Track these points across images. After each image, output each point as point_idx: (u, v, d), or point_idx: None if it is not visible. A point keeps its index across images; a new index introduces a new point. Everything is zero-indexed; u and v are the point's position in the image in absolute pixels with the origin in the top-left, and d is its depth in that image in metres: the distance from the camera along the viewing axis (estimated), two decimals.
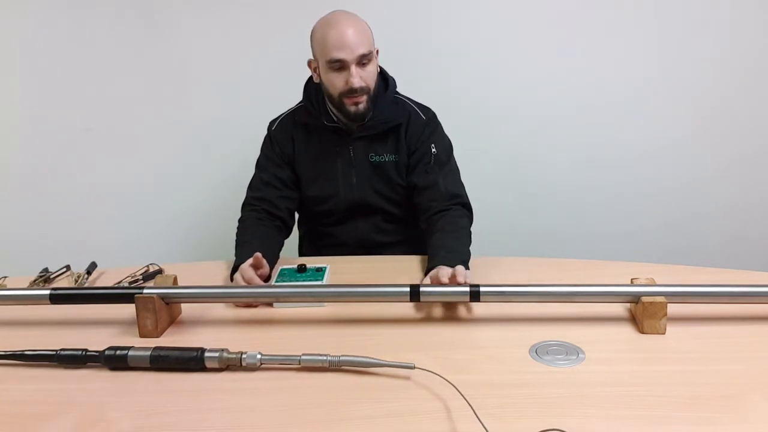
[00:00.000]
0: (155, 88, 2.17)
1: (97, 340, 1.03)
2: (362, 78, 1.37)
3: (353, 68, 1.35)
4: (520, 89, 2.17)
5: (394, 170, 1.50)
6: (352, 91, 1.37)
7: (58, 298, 1.11)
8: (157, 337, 1.08)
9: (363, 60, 1.36)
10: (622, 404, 0.84)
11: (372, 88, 1.41)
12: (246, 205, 1.49)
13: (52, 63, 2.14)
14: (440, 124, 1.54)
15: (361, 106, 1.40)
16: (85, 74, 2.15)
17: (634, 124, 2.20)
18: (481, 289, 1.08)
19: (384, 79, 1.51)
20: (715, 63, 2.13)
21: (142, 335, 1.08)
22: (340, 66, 1.35)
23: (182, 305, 1.18)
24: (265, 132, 1.56)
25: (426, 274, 1.24)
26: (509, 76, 2.16)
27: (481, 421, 0.79)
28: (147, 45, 2.13)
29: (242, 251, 1.31)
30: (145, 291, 1.08)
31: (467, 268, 1.23)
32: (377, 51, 1.44)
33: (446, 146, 1.52)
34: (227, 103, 2.17)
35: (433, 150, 1.47)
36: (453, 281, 1.13)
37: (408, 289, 1.08)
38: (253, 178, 1.53)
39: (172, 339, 1.08)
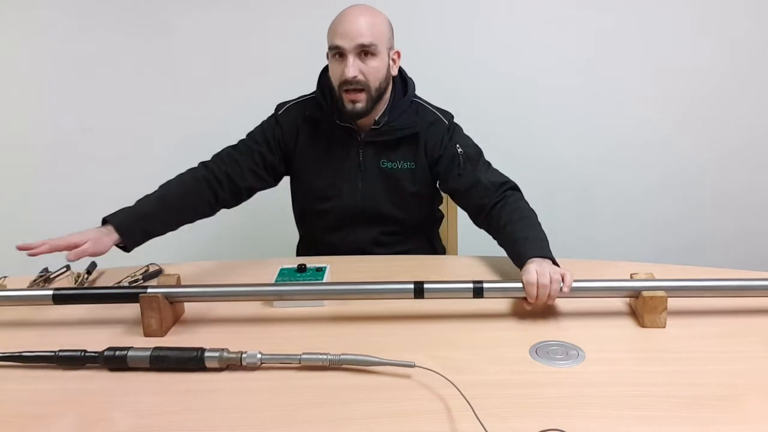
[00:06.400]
0: (155, 88, 2.17)
1: (100, 340, 1.03)
2: (361, 71, 1.30)
3: (350, 58, 1.28)
4: (518, 90, 2.17)
5: (408, 178, 1.43)
6: (347, 83, 1.30)
7: (61, 299, 1.11)
8: (162, 336, 1.08)
9: (364, 51, 1.29)
10: (622, 404, 0.84)
11: (374, 86, 1.33)
12: (213, 160, 1.41)
13: (52, 63, 2.15)
14: (459, 125, 1.48)
15: (359, 105, 1.33)
16: (85, 74, 2.16)
17: (630, 124, 2.20)
18: (484, 285, 1.08)
19: (403, 82, 1.45)
20: (712, 62, 2.14)
21: (147, 334, 1.08)
22: (340, 54, 1.30)
23: (185, 304, 1.17)
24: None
25: (521, 267, 1.15)
26: (507, 77, 2.16)
27: (480, 421, 0.79)
28: (147, 45, 2.13)
29: (141, 209, 1.29)
30: (149, 290, 1.08)
31: (549, 248, 1.18)
32: (397, 53, 1.39)
33: (470, 143, 1.45)
34: (227, 103, 2.17)
35: (459, 150, 1.40)
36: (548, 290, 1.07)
37: (412, 286, 1.08)
38: (239, 142, 1.45)
39: (176, 338, 1.08)
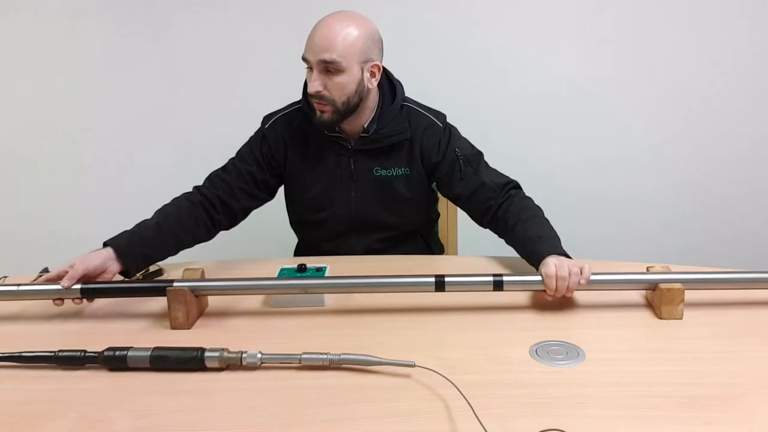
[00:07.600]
0: (155, 88, 2.17)
1: (127, 333, 1.07)
2: (326, 86, 1.26)
3: (315, 72, 1.26)
4: (522, 92, 2.17)
5: (403, 184, 1.41)
6: (312, 96, 1.28)
7: (89, 292, 1.12)
8: (189, 329, 1.10)
9: (327, 67, 1.24)
10: (623, 404, 0.84)
11: (340, 101, 1.28)
12: (204, 185, 1.39)
13: (52, 63, 2.14)
14: (454, 126, 1.45)
15: (325, 116, 1.29)
16: (85, 74, 2.16)
17: (634, 126, 2.20)
18: (504, 278, 1.10)
19: (391, 86, 1.41)
20: (716, 64, 2.14)
21: (173, 327, 1.10)
22: (309, 65, 1.28)
23: (208, 298, 1.19)
24: None
25: (536, 265, 1.17)
26: (510, 78, 2.16)
27: (480, 421, 0.79)
28: (148, 45, 2.13)
29: (141, 233, 1.25)
30: (175, 284, 1.10)
31: (562, 246, 1.21)
32: (377, 66, 1.31)
33: (467, 144, 1.43)
34: (228, 103, 2.17)
35: (458, 154, 1.38)
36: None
37: (433, 279, 1.10)
38: (228, 163, 1.42)
39: (202, 332, 1.10)
